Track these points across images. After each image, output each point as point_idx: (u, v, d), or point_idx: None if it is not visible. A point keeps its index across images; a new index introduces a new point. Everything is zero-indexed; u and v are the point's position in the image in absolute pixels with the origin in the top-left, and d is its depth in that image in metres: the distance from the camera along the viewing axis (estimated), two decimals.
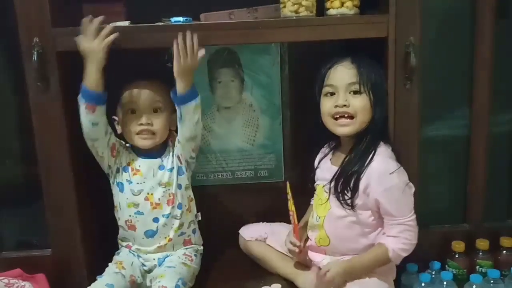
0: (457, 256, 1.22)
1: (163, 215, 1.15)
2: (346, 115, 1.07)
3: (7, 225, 1.23)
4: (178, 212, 1.16)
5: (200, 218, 1.24)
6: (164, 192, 1.15)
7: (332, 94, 1.10)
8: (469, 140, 1.25)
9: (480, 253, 1.22)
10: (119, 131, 1.18)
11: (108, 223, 1.22)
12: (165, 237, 1.17)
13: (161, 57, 1.20)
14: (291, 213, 1.15)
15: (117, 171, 1.16)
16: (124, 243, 1.20)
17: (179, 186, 1.17)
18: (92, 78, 1.05)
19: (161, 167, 1.16)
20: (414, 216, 1.06)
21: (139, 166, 1.16)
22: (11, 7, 1.05)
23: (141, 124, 1.13)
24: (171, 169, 1.16)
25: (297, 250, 1.14)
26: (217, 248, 1.28)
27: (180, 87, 1.08)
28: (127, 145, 1.19)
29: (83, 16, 1.17)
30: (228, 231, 1.32)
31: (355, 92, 1.08)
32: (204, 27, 1.08)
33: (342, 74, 1.09)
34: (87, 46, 1.04)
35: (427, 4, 1.13)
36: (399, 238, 1.05)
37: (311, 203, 1.21)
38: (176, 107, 1.11)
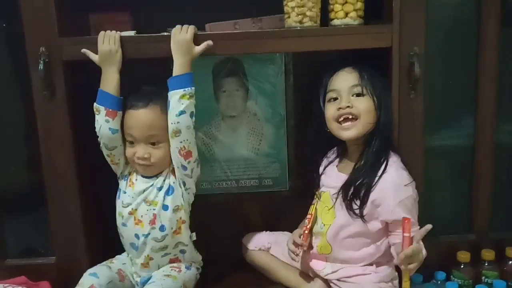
0: (462, 266, 1.21)
1: (142, 234, 1.11)
2: (350, 117, 1.07)
3: (12, 232, 1.23)
4: (159, 234, 1.11)
5: (194, 238, 1.18)
6: (147, 210, 1.11)
7: (335, 99, 1.10)
8: (474, 150, 1.25)
9: (486, 264, 1.21)
10: None
11: (112, 231, 1.22)
12: (145, 255, 1.13)
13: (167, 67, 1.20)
14: (309, 216, 1.15)
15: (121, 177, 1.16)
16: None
17: (164, 207, 1.11)
18: (112, 81, 1.06)
19: (152, 185, 1.12)
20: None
21: (136, 180, 1.14)
22: (19, 16, 1.07)
23: (138, 158, 1.09)
24: (160, 188, 1.11)
25: (298, 251, 1.14)
26: (220, 256, 1.28)
27: (175, 68, 1.06)
28: None
29: (90, 25, 1.19)
30: (232, 240, 1.31)
31: (358, 95, 1.09)
32: (209, 37, 1.09)
33: (344, 78, 1.10)
34: (105, 49, 1.05)
35: (432, 13, 1.13)
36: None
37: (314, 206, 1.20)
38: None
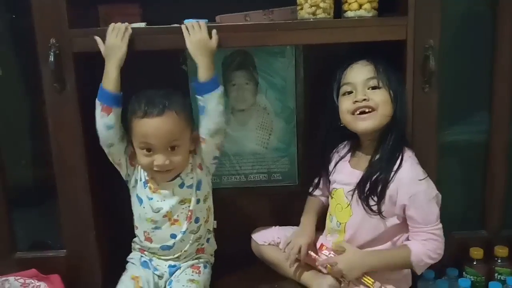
0: (475, 263, 1.20)
1: (181, 231, 1.13)
2: (367, 110, 1.05)
3: (22, 225, 1.23)
4: (195, 226, 1.14)
5: (215, 226, 1.22)
6: (183, 209, 1.12)
7: (350, 92, 1.08)
8: (488, 146, 1.23)
9: (499, 260, 1.20)
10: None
11: (123, 224, 1.22)
12: (181, 250, 1.15)
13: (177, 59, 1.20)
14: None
15: (136, 182, 1.13)
16: (138, 246, 1.20)
17: (197, 201, 1.13)
18: (110, 77, 1.05)
19: (181, 185, 1.12)
20: (440, 226, 1.05)
21: (158, 184, 1.12)
22: (28, 8, 1.06)
23: (158, 165, 1.06)
24: (191, 186, 1.12)
25: (292, 258, 1.14)
26: (230, 251, 1.27)
27: (201, 72, 1.05)
28: None
29: (100, 17, 1.18)
30: (241, 234, 1.31)
31: (374, 88, 1.07)
32: (220, 29, 1.07)
33: (359, 71, 1.09)
34: (111, 42, 1.04)
35: (447, 8, 1.11)
36: (424, 245, 1.03)
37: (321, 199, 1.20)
38: (198, 98, 1.07)
